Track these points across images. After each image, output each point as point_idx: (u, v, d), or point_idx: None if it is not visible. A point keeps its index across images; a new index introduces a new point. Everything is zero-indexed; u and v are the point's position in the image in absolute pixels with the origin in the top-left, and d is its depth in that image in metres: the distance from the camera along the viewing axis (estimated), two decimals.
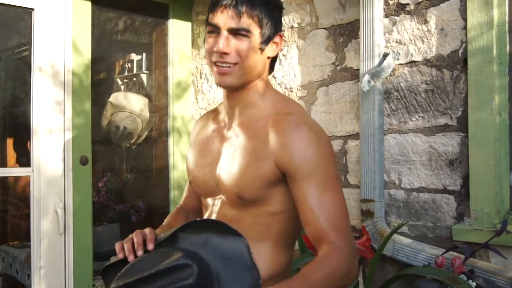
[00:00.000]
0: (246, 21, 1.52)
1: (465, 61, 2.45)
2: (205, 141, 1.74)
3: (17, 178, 3.78)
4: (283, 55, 3.27)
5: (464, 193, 2.46)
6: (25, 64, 3.19)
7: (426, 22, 2.60)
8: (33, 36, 3.12)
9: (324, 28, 3.07)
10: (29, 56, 3.13)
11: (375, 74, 2.65)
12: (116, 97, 3.92)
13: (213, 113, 1.82)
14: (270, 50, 1.63)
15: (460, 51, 2.48)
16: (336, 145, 2.99)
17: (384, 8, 2.76)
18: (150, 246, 1.45)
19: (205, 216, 1.71)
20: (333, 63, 3.03)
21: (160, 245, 1.47)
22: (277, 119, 1.55)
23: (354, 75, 2.91)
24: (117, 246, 1.50)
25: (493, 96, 2.35)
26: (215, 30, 1.54)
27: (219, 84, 1.60)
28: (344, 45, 2.97)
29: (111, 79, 4.20)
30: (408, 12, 2.67)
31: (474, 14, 2.41)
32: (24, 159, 3.41)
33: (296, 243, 2.61)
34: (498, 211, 2.34)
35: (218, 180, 1.62)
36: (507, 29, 2.37)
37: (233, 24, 1.51)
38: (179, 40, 3.79)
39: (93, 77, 3.40)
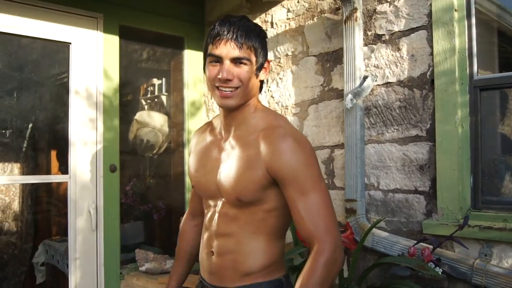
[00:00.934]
0: (246, 51, 1.53)
1: (432, 82, 2.45)
2: (204, 151, 1.73)
3: (58, 184, 3.79)
4: (280, 78, 3.26)
5: (432, 193, 2.44)
6: (64, 89, 3.20)
7: (399, 49, 2.60)
8: (70, 65, 3.15)
9: (314, 56, 3.07)
10: (67, 82, 3.15)
11: (356, 94, 2.65)
12: (141, 115, 3.93)
13: (209, 126, 1.81)
14: (262, 74, 1.64)
15: (428, 73, 2.47)
16: (325, 153, 2.98)
17: (363, 38, 2.75)
18: None
19: (208, 216, 1.70)
20: (321, 85, 3.02)
21: None
22: (267, 132, 1.54)
23: (339, 94, 2.90)
24: None
25: (456, 111, 2.34)
26: (217, 60, 1.54)
27: (221, 106, 1.60)
28: (330, 70, 2.96)
29: (137, 100, 4.21)
30: (384, 41, 2.67)
31: (439, 43, 2.41)
32: (63, 167, 3.42)
33: (291, 236, 2.62)
34: (461, 208, 2.32)
35: (219, 185, 1.61)
36: (467, 54, 2.37)
37: (235, 54, 1.52)
38: (192, 67, 3.80)
39: (121, 98, 3.41)
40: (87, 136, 3.17)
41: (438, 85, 2.41)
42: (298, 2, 3.16)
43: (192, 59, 3.81)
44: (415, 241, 2.37)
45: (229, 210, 1.60)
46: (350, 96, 2.64)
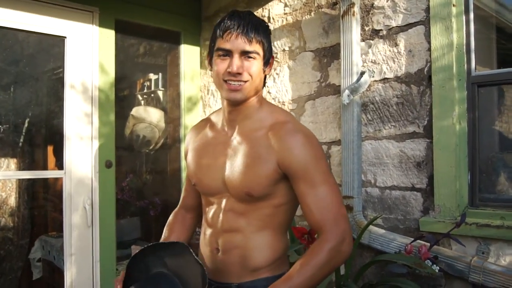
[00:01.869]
0: (255, 45, 1.55)
1: (429, 78, 2.43)
2: (205, 147, 1.72)
3: (55, 179, 3.76)
4: (277, 74, 3.24)
5: (429, 191, 2.43)
6: (60, 83, 3.18)
7: (396, 45, 2.58)
8: (65, 59, 3.12)
9: (311, 51, 3.05)
10: (63, 76, 3.12)
11: (354, 90, 2.63)
12: (137, 110, 3.91)
13: (207, 123, 1.80)
14: (268, 69, 1.66)
15: (426, 69, 2.46)
16: None
17: (361, 34, 2.73)
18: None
19: (211, 213, 1.69)
20: (318, 80, 3.00)
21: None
22: (276, 128, 1.57)
23: (336, 90, 2.88)
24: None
25: (453, 108, 2.33)
26: (227, 53, 1.55)
27: (229, 99, 1.60)
28: (327, 65, 2.94)
29: (133, 95, 4.19)
30: (381, 37, 2.64)
31: (436, 38, 2.39)
32: (59, 163, 3.40)
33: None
34: (458, 205, 2.31)
35: (227, 181, 1.61)
36: (464, 50, 2.35)
37: (245, 48, 1.54)
38: (189, 62, 3.78)
39: (117, 93, 3.38)
40: (82, 131, 3.15)
41: (436, 81, 2.39)
42: None
43: (188, 54, 3.78)
44: (412, 239, 2.36)
45: (236, 206, 1.61)
46: (347, 92, 2.62)
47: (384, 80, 2.63)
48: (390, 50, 2.60)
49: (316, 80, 3.01)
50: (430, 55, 2.43)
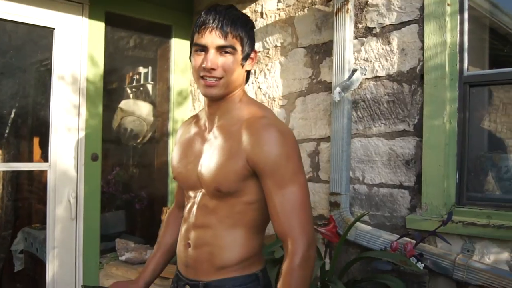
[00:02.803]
0: (231, 40, 1.52)
1: (421, 76, 2.46)
2: (188, 142, 1.72)
3: (40, 171, 3.73)
4: (268, 69, 3.25)
5: (417, 189, 2.45)
6: (47, 75, 3.16)
7: (389, 43, 2.60)
8: (54, 51, 3.11)
9: (303, 47, 3.06)
10: (50, 68, 3.10)
11: (345, 87, 2.65)
12: (126, 104, 3.90)
13: (195, 118, 1.80)
14: (248, 64, 1.62)
15: (418, 68, 2.48)
16: (311, 146, 2.98)
17: (354, 31, 2.75)
18: None
19: (187, 208, 1.68)
20: (310, 77, 3.01)
21: None
22: (250, 122, 1.53)
23: (328, 87, 2.90)
24: None
25: (444, 107, 2.35)
26: (202, 49, 1.53)
27: (205, 95, 1.59)
28: (319, 62, 2.96)
29: (122, 88, 4.18)
30: (374, 35, 2.67)
31: (430, 37, 2.42)
32: (44, 155, 3.38)
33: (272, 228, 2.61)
34: (445, 204, 2.34)
35: (200, 175, 1.59)
36: (457, 49, 2.38)
37: (220, 43, 1.50)
38: (179, 56, 3.78)
39: (106, 86, 3.37)
40: (69, 123, 3.13)
41: (428, 80, 2.41)
42: None
43: (179, 48, 3.78)
44: (398, 236, 2.38)
45: (209, 202, 1.58)
46: (338, 89, 2.64)
47: (376, 78, 2.65)
48: (383, 48, 2.63)
49: (307, 77, 3.03)
50: (423, 54, 2.45)
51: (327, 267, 2.48)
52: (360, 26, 2.73)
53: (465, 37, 2.39)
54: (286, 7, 3.16)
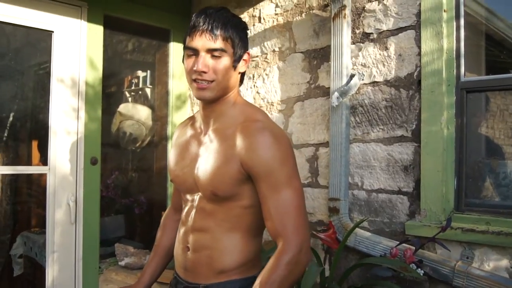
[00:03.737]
0: (222, 43, 1.51)
1: (419, 82, 2.45)
2: (184, 144, 1.71)
3: (39, 175, 3.72)
4: (266, 74, 3.24)
5: (416, 194, 2.44)
6: (46, 78, 3.15)
7: (386, 48, 2.59)
8: (52, 54, 3.09)
9: (301, 52, 3.05)
10: (49, 71, 3.09)
11: (343, 92, 2.64)
12: (124, 107, 3.89)
13: (191, 120, 1.80)
14: (241, 66, 1.62)
15: (415, 73, 2.47)
16: (309, 151, 2.96)
17: (351, 36, 2.74)
18: None
19: (185, 211, 1.68)
20: (308, 82, 3.00)
21: None
22: (245, 125, 1.53)
23: (326, 92, 2.89)
24: None
25: (442, 112, 2.35)
26: (194, 52, 1.53)
27: (198, 98, 1.59)
28: (317, 67, 2.95)
29: (120, 92, 4.17)
30: (372, 40, 2.66)
31: (427, 43, 2.41)
32: (43, 159, 3.37)
33: None
34: (444, 210, 2.33)
35: (196, 179, 1.59)
36: (454, 55, 2.37)
37: (210, 46, 1.50)
38: (178, 59, 3.76)
39: (104, 90, 3.36)
40: (68, 127, 3.12)
41: (425, 86, 2.41)
42: None
43: (178, 52, 3.77)
44: (398, 242, 2.37)
45: (206, 205, 1.58)
46: (336, 94, 2.63)
47: (374, 83, 2.64)
48: (380, 54, 2.62)
49: (305, 82, 3.01)
50: (420, 60, 2.44)
51: (327, 273, 2.47)
52: (357, 31, 2.72)
53: (462, 43, 2.38)
54: (284, 12, 3.15)
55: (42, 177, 3.41)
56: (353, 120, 2.73)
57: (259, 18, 3.32)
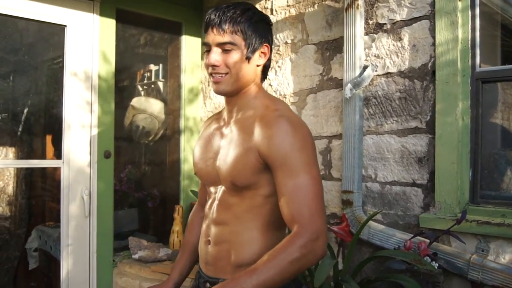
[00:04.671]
0: (231, 36, 1.54)
1: (433, 73, 2.42)
2: (208, 138, 1.73)
3: (53, 169, 3.74)
4: (279, 66, 3.22)
5: (430, 187, 2.42)
6: (59, 72, 3.16)
7: (400, 39, 2.56)
8: (65, 48, 3.11)
9: (313, 44, 3.03)
10: (63, 65, 3.11)
11: (356, 83, 2.62)
12: (137, 101, 3.89)
13: (217, 115, 1.82)
14: (258, 59, 1.62)
15: (429, 64, 2.44)
16: (322, 144, 2.95)
17: (364, 27, 2.71)
18: None
19: (208, 204, 1.69)
20: (320, 74, 2.98)
21: None
22: (263, 114, 1.53)
23: (339, 84, 2.86)
24: None
25: (457, 103, 2.31)
26: (208, 47, 1.59)
27: (215, 92, 1.64)
28: (330, 58, 2.93)
29: (133, 86, 4.17)
30: (385, 31, 2.63)
31: (441, 33, 2.37)
32: (57, 152, 3.39)
33: None
34: (459, 202, 2.30)
35: (218, 170, 1.60)
36: (469, 45, 2.34)
37: (219, 40, 1.54)
38: (190, 53, 3.76)
39: (117, 83, 3.37)
40: (81, 121, 3.14)
41: (440, 77, 2.37)
42: None
43: (190, 45, 3.77)
44: (412, 235, 2.35)
45: (228, 198, 1.59)
46: (349, 85, 2.61)
47: (387, 74, 2.61)
48: (394, 45, 2.59)
49: (318, 74, 2.99)
50: (434, 50, 2.41)
51: (340, 266, 2.46)
52: (370, 22, 2.69)
53: (477, 33, 2.35)
54: (296, 3, 3.13)
55: (56, 171, 3.43)
56: (367, 111, 2.70)
57: (271, 10, 3.30)
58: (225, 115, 1.71)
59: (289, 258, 1.33)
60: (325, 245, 1.42)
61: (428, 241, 2.26)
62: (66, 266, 3.08)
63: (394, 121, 2.58)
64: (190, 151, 3.75)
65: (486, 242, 2.19)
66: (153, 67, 4.04)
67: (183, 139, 3.77)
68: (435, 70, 2.40)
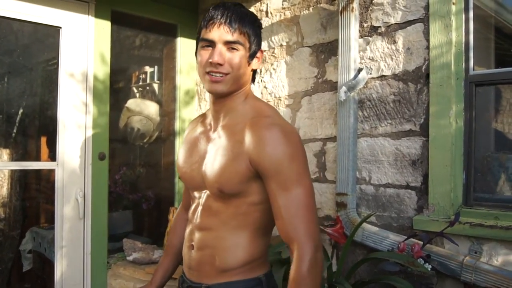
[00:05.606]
0: (239, 36, 1.51)
1: (427, 76, 2.43)
2: (193, 141, 1.70)
3: (48, 170, 3.75)
4: (274, 69, 3.23)
5: (424, 189, 2.43)
6: (54, 74, 3.17)
7: (394, 42, 2.58)
8: (60, 50, 3.10)
9: (308, 46, 3.04)
10: (58, 67, 3.11)
11: (351, 86, 2.63)
12: (132, 103, 3.90)
13: (202, 117, 1.78)
14: (255, 63, 1.61)
15: (423, 67, 2.46)
16: (317, 146, 2.96)
17: (359, 30, 2.73)
18: None
19: (192, 208, 1.67)
20: (315, 76, 3.00)
21: None
22: (254, 121, 1.50)
23: (333, 86, 2.88)
24: None
25: (450, 106, 2.33)
26: (210, 44, 1.51)
27: (210, 91, 1.57)
28: (325, 61, 2.94)
29: (128, 88, 4.18)
30: (380, 34, 2.64)
31: (435, 36, 2.39)
32: (52, 154, 3.39)
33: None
34: (452, 204, 2.32)
35: (204, 176, 1.57)
36: (463, 48, 2.35)
37: (228, 38, 1.49)
38: (185, 55, 3.77)
39: (112, 85, 3.37)
40: (76, 123, 3.13)
41: (433, 80, 2.39)
42: None
43: (185, 47, 3.77)
44: (405, 237, 2.36)
45: (213, 203, 1.56)
46: (344, 88, 2.62)
47: (382, 77, 2.63)
48: (388, 48, 2.60)
49: (313, 76, 3.01)
50: (428, 53, 2.43)
51: (334, 268, 2.47)
52: (365, 25, 2.71)
53: (471, 36, 2.36)
54: (291, 6, 3.14)
55: (50, 172, 3.44)
56: (361, 114, 2.72)
57: (267, 12, 3.31)
58: (210, 118, 1.67)
59: (305, 286, 1.36)
60: (321, 246, 1.45)
61: (421, 243, 2.27)
62: (60, 268, 3.08)
63: (388, 124, 2.60)
64: None
65: (479, 244, 2.20)
66: (148, 69, 4.06)
67: (178, 141, 3.77)
68: (429, 73, 2.41)
